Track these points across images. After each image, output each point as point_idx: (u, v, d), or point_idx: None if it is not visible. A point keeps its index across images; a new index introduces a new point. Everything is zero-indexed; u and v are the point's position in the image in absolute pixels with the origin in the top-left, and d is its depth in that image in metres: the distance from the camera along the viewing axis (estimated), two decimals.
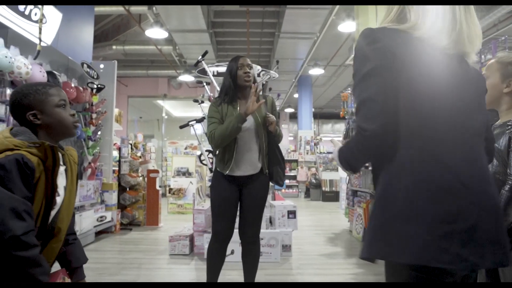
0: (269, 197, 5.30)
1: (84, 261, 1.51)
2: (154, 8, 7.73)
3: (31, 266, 1.14)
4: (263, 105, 2.56)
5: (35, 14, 3.67)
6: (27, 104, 1.31)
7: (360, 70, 1.07)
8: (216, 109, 2.49)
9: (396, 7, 1.15)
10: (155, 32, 8.15)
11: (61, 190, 1.36)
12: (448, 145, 1.03)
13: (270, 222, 4.50)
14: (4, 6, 3.34)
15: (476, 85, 1.14)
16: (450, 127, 1.04)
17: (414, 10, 1.11)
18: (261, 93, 2.78)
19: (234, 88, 2.50)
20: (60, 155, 1.33)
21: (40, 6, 3.60)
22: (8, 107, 3.32)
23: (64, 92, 1.42)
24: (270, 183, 2.69)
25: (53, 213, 1.32)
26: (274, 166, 2.58)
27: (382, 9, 6.59)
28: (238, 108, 2.48)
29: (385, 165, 1.06)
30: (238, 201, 2.54)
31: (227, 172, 2.46)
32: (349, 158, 1.15)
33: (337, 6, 6.99)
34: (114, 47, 9.68)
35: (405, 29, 1.09)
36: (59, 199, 1.35)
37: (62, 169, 1.37)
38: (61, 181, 1.37)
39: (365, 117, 1.04)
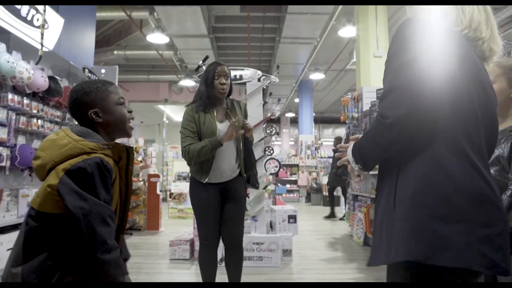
0: (270, 201, 5.30)
1: (128, 256, 1.51)
2: (155, 14, 7.78)
3: (114, 268, 1.17)
4: (238, 111, 2.58)
5: (37, 20, 3.69)
6: (89, 102, 1.30)
7: (396, 59, 1.04)
8: (192, 119, 2.47)
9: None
10: (156, 37, 8.19)
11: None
12: (481, 150, 1.04)
13: (271, 226, 4.50)
14: (7, 12, 3.36)
15: (492, 89, 1.16)
16: (482, 132, 1.05)
17: (455, 7, 1.13)
18: (241, 96, 2.81)
19: (208, 96, 2.49)
20: (132, 153, 1.34)
21: (42, 11, 3.63)
22: (8, 112, 3.34)
23: (121, 90, 1.41)
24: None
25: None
26: (250, 170, 2.62)
27: (382, 13, 6.62)
28: (215, 115, 2.49)
29: (415, 160, 1.00)
30: (220, 204, 2.52)
31: (206, 180, 2.45)
32: (364, 151, 1.10)
33: (338, 11, 7.02)
34: (115, 52, 9.73)
35: (448, 25, 1.10)
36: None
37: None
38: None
39: (389, 103, 1.00)
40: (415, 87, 0.97)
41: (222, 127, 2.49)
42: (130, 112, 1.39)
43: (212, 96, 2.50)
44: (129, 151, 1.30)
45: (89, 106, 1.30)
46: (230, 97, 2.69)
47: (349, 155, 1.18)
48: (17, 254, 1.18)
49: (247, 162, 2.59)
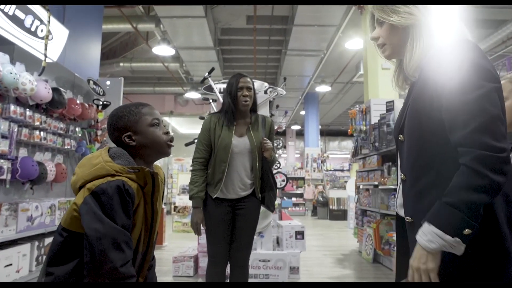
0: (276, 216, 5.17)
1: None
2: (161, 26, 7.78)
3: None
4: (261, 127, 2.48)
5: (41, 31, 3.65)
6: (122, 126, 1.29)
7: (483, 83, 0.97)
8: (207, 130, 2.42)
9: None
10: (162, 49, 8.19)
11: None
12: None
13: (277, 243, 4.36)
14: (11, 23, 3.32)
15: None
16: None
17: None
18: (259, 112, 2.69)
19: (234, 109, 2.41)
20: (157, 179, 1.32)
21: (46, 22, 3.59)
22: (10, 124, 3.27)
23: (156, 111, 1.38)
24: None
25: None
26: (267, 192, 2.48)
27: None
28: (234, 131, 2.40)
29: None
30: (231, 223, 2.43)
31: (216, 195, 2.36)
32: (472, 205, 0.92)
33: (345, 23, 6.98)
34: (121, 64, 9.74)
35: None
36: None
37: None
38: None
39: (497, 135, 0.93)
40: (502, 115, 0.96)
41: (238, 142, 2.40)
42: (166, 133, 1.36)
43: (235, 109, 2.42)
44: (154, 177, 1.27)
45: (123, 130, 1.29)
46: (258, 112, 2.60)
47: (433, 241, 0.94)
48: (52, 255, 1.18)
49: (265, 183, 2.47)
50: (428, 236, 0.94)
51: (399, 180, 1.19)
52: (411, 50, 1.13)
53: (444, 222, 0.92)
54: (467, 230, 0.91)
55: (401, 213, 1.19)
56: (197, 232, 2.39)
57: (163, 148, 1.34)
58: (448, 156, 1.00)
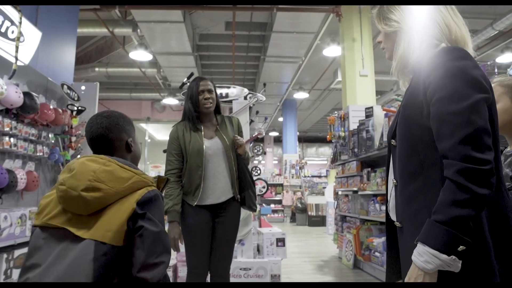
0: (256, 223, 5.11)
1: None
2: (138, 30, 7.65)
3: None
4: (229, 127, 2.45)
5: (12, 32, 3.50)
6: (127, 131, 1.35)
7: (471, 93, 0.96)
8: (175, 139, 2.36)
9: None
10: (139, 55, 8.04)
11: None
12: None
13: (258, 250, 4.30)
14: None
15: None
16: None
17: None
18: (225, 114, 2.65)
19: (196, 113, 2.37)
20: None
21: (17, 23, 3.45)
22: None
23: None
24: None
25: None
26: (246, 190, 2.42)
27: (367, 32, 6.67)
28: (203, 134, 2.36)
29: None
30: (211, 232, 2.35)
31: (196, 202, 2.28)
32: (462, 219, 0.91)
33: (323, 30, 7.06)
34: (97, 69, 9.51)
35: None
36: None
37: None
38: None
39: (482, 147, 0.92)
40: (488, 127, 0.96)
41: (210, 144, 2.35)
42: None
43: (198, 112, 2.37)
44: (168, 180, 1.40)
45: (127, 135, 1.35)
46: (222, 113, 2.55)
47: (426, 261, 0.93)
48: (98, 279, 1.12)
49: (242, 182, 2.41)
50: (425, 257, 0.93)
51: (391, 185, 1.19)
52: (395, 55, 1.18)
53: (437, 241, 0.92)
54: (461, 247, 0.91)
55: (393, 217, 1.20)
56: (175, 249, 2.27)
57: (138, 161, 1.43)
58: (436, 164, 1.01)
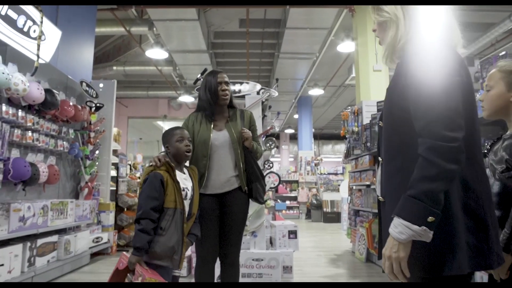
0: (270, 217, 5.18)
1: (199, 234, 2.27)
2: (154, 29, 7.80)
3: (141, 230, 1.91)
4: (239, 120, 2.52)
5: (34, 31, 3.66)
6: (164, 142, 2.20)
7: (445, 77, 1.05)
8: (187, 129, 2.42)
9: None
10: (156, 53, 8.21)
11: (189, 188, 2.16)
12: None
13: (271, 242, 4.38)
14: (3, 23, 3.33)
15: None
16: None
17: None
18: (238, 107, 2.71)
19: (213, 105, 2.45)
20: (173, 168, 2.09)
21: (39, 23, 3.60)
22: (2, 124, 3.28)
23: (183, 131, 2.20)
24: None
25: (186, 203, 2.10)
26: (253, 183, 2.48)
27: None
28: (212, 126, 2.43)
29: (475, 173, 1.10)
30: (219, 220, 2.42)
31: (200, 191, 2.36)
32: (433, 193, 0.99)
33: (336, 26, 7.06)
34: (114, 68, 9.74)
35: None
36: (189, 193, 2.14)
37: (182, 176, 2.16)
38: (187, 182, 2.17)
39: (452, 125, 1.00)
40: (461, 113, 1.03)
41: (218, 135, 2.42)
42: (187, 145, 2.17)
43: (215, 104, 2.46)
44: (172, 168, 2.07)
45: (165, 143, 2.19)
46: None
47: (401, 231, 1.02)
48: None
49: (250, 174, 2.47)
50: (399, 228, 1.01)
51: (380, 163, 1.28)
52: (384, 42, 1.28)
53: (409, 213, 1.00)
54: (430, 217, 0.98)
55: (378, 192, 1.29)
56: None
57: (182, 155, 2.17)
58: (414, 143, 1.07)
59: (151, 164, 2.09)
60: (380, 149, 1.26)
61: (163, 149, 2.20)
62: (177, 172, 2.11)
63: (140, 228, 1.90)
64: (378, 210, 1.34)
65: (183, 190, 2.09)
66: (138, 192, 2.33)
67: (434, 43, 1.11)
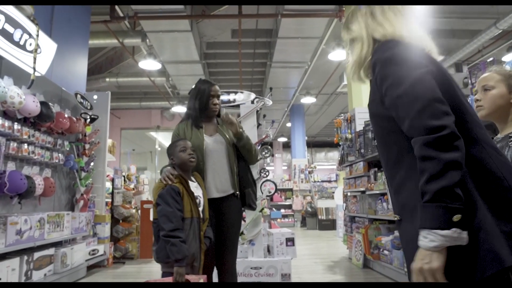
0: (266, 225, 5.18)
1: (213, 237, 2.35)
2: (147, 40, 7.85)
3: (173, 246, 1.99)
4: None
5: (30, 44, 3.68)
6: (168, 154, 2.30)
7: (410, 72, 1.02)
8: (177, 135, 2.45)
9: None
10: (148, 64, 8.24)
11: (200, 195, 2.26)
12: None
13: (268, 251, 4.38)
14: (0, 37, 3.34)
15: None
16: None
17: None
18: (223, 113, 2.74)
19: (201, 113, 2.47)
20: (186, 179, 2.22)
21: (35, 36, 3.62)
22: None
23: (185, 141, 2.28)
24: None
25: (200, 208, 2.21)
26: (246, 189, 2.48)
27: None
28: (204, 131, 2.44)
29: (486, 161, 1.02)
30: (215, 228, 2.41)
31: None
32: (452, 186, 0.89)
33: (327, 35, 7.16)
34: (107, 79, 9.75)
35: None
36: (202, 200, 2.26)
37: (193, 184, 2.25)
38: (198, 190, 2.26)
39: (437, 114, 0.94)
40: (438, 94, 0.99)
41: (211, 140, 2.44)
42: (190, 154, 2.23)
43: (203, 115, 2.48)
44: (185, 180, 2.20)
45: (170, 155, 2.29)
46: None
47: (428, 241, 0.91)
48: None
49: (242, 179, 2.49)
50: (428, 237, 0.91)
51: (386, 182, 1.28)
52: (352, 60, 1.27)
53: (432, 220, 0.90)
54: (455, 216, 0.89)
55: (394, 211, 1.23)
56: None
57: (186, 163, 2.23)
58: (411, 149, 1.02)
59: (164, 182, 2.18)
60: (382, 166, 1.22)
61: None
62: (190, 182, 2.22)
63: (178, 239, 1.98)
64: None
65: (197, 198, 2.19)
66: (152, 210, 2.70)
67: (388, 47, 1.11)
